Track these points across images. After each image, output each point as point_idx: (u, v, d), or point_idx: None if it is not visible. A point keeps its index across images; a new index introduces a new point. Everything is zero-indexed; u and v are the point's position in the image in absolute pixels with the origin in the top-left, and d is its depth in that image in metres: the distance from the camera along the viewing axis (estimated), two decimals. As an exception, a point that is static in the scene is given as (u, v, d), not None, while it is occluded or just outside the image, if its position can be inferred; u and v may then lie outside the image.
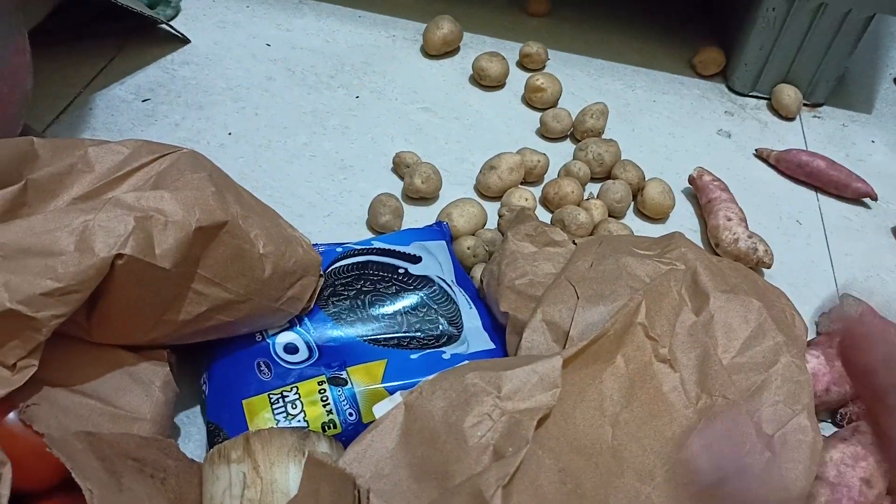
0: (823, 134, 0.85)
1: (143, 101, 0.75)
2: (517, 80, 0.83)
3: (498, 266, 0.56)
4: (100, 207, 0.41)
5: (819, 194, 0.77)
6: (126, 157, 0.47)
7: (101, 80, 0.76)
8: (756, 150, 0.81)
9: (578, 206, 0.66)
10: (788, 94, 0.85)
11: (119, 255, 0.40)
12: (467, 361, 0.45)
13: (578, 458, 0.41)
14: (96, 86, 0.75)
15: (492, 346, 0.54)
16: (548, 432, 0.41)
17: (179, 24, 0.83)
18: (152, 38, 0.81)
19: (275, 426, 0.47)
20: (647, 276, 0.51)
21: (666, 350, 0.47)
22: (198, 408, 0.53)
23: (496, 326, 0.56)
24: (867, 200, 0.77)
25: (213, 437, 0.48)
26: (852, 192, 0.76)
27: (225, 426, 0.48)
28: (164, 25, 0.81)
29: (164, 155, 0.48)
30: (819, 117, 0.87)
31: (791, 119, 0.86)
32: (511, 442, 0.39)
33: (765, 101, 0.87)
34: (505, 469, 0.37)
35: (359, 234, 0.66)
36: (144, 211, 0.42)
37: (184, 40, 0.81)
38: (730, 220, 0.68)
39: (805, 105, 0.87)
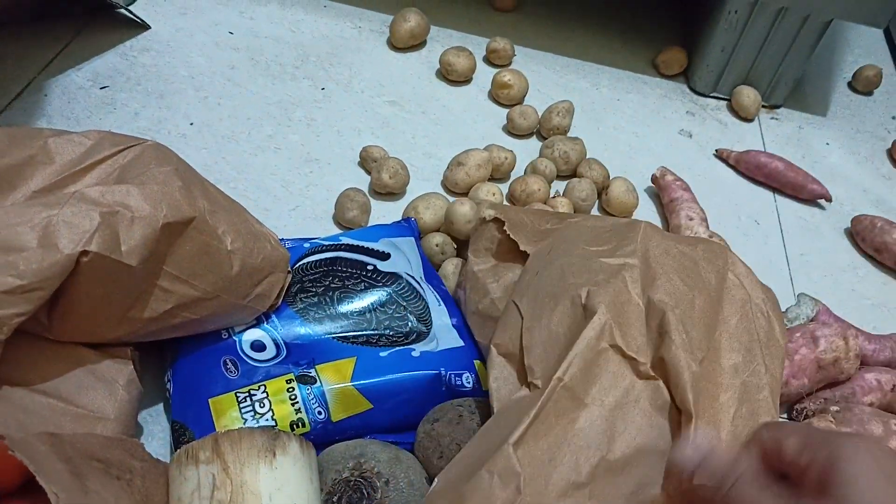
0: (781, 135, 0.87)
1: (102, 88, 0.72)
2: (484, 75, 0.83)
3: (464, 291, 0.55)
4: (64, 202, 0.40)
5: (777, 195, 0.79)
6: (88, 149, 0.46)
7: (56, 65, 0.73)
8: (716, 150, 0.82)
9: (545, 203, 0.67)
10: (748, 95, 0.86)
11: (84, 252, 0.39)
12: (437, 481, 0.42)
13: None
14: (52, 71, 0.73)
15: (461, 343, 0.54)
16: None
17: (139, 10, 0.80)
18: (111, 22, 0.79)
19: (242, 425, 0.46)
20: (591, 279, 0.47)
21: (648, 364, 0.43)
22: (161, 406, 0.52)
23: (466, 323, 0.56)
24: (822, 202, 0.79)
25: (179, 437, 0.47)
26: (808, 194, 0.78)
27: (191, 425, 0.47)
28: (123, 10, 0.79)
29: (128, 147, 0.47)
30: (777, 119, 0.89)
31: (750, 120, 0.88)
32: None
33: (725, 102, 0.89)
34: None
35: (326, 228, 0.65)
36: (110, 206, 0.41)
37: (143, 26, 0.79)
38: (691, 219, 0.69)
39: (764, 107, 0.89)
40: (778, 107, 0.90)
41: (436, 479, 0.42)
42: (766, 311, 0.49)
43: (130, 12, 0.79)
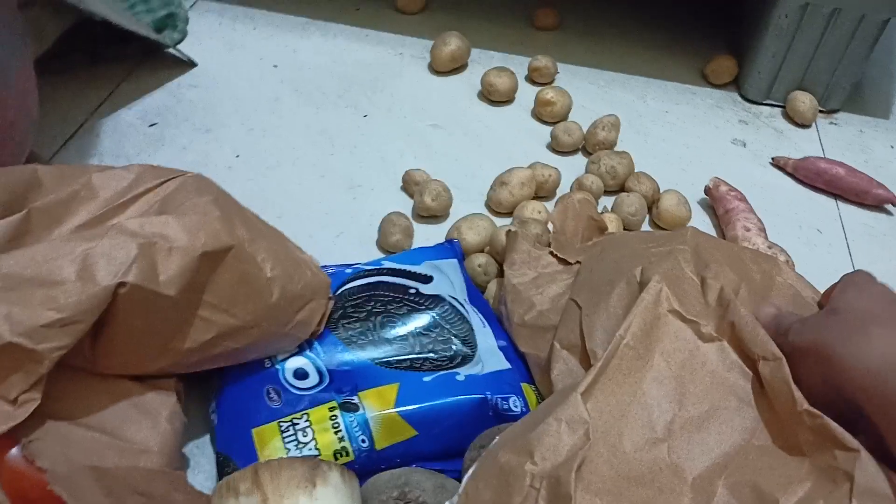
0: (841, 140, 0.83)
1: (151, 125, 0.74)
2: (526, 94, 0.82)
3: (505, 305, 0.54)
4: (102, 235, 0.40)
5: (839, 202, 0.76)
6: (130, 183, 0.47)
7: (108, 106, 0.76)
8: (773, 158, 0.79)
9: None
10: (803, 101, 0.83)
11: (122, 284, 0.39)
12: (497, 438, 0.42)
13: (638, 490, 0.38)
14: (104, 111, 0.75)
15: (507, 365, 0.52)
16: (596, 474, 0.37)
17: (186, 47, 0.83)
18: (159, 62, 0.81)
19: (285, 456, 0.46)
20: (645, 262, 0.47)
21: (711, 327, 0.42)
22: (207, 437, 0.52)
23: (511, 345, 0.54)
24: (889, 207, 0.75)
25: (223, 468, 0.47)
26: (873, 199, 0.74)
27: (234, 456, 0.47)
28: (171, 50, 0.81)
29: (169, 179, 0.47)
30: (836, 124, 0.85)
31: (807, 126, 0.84)
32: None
33: (779, 109, 0.86)
34: None
35: (370, 254, 0.65)
36: (148, 237, 0.41)
37: (190, 64, 0.81)
38: (748, 230, 0.66)
39: (821, 112, 0.86)
40: (836, 111, 0.86)
41: (495, 440, 0.42)
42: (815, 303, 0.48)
43: (178, 51, 0.81)
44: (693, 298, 0.44)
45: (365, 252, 0.65)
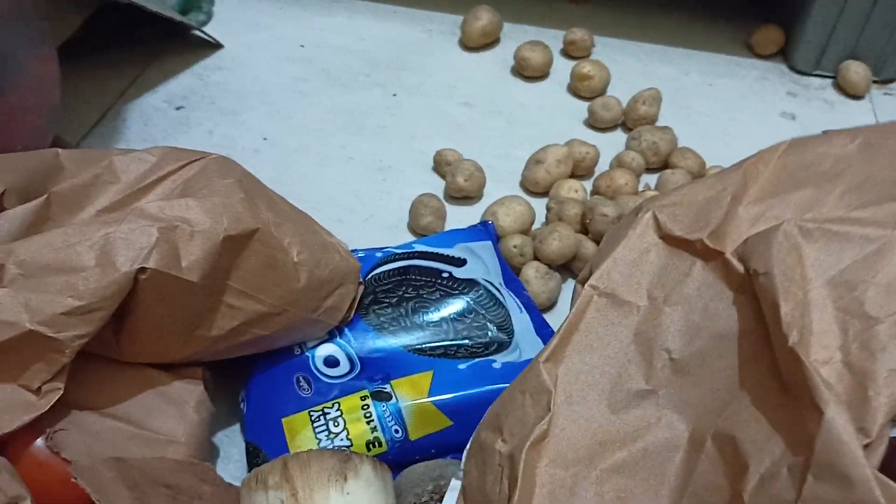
0: (897, 112, 0.79)
1: (177, 108, 0.73)
2: (562, 68, 0.78)
3: None
4: (122, 219, 0.39)
5: None
6: (152, 166, 0.45)
7: (134, 90, 0.74)
8: (824, 131, 0.75)
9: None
10: (856, 71, 0.78)
11: (142, 269, 0.38)
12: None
13: (618, 453, 0.34)
14: (130, 95, 0.74)
15: (546, 353, 0.50)
16: (566, 444, 0.34)
17: (211, 29, 0.81)
18: (185, 44, 0.80)
19: (316, 446, 0.44)
20: None
21: (704, 236, 0.37)
22: (237, 426, 0.50)
23: (551, 330, 0.52)
24: (951, 181, 0.71)
25: (253, 459, 0.46)
26: (934, 173, 0.70)
27: (264, 447, 0.46)
28: (196, 31, 0.80)
29: (192, 161, 0.46)
30: (891, 94, 0.81)
31: (860, 98, 0.80)
32: (515, 486, 0.33)
33: (830, 80, 0.81)
34: None
35: (400, 237, 0.62)
36: (169, 221, 0.40)
37: (216, 45, 0.80)
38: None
39: (875, 82, 0.81)
40: (891, 81, 0.82)
41: None
42: None
43: (204, 32, 0.80)
44: (685, 209, 0.39)
45: (396, 235, 0.63)
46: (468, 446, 0.39)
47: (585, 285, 0.38)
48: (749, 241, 0.36)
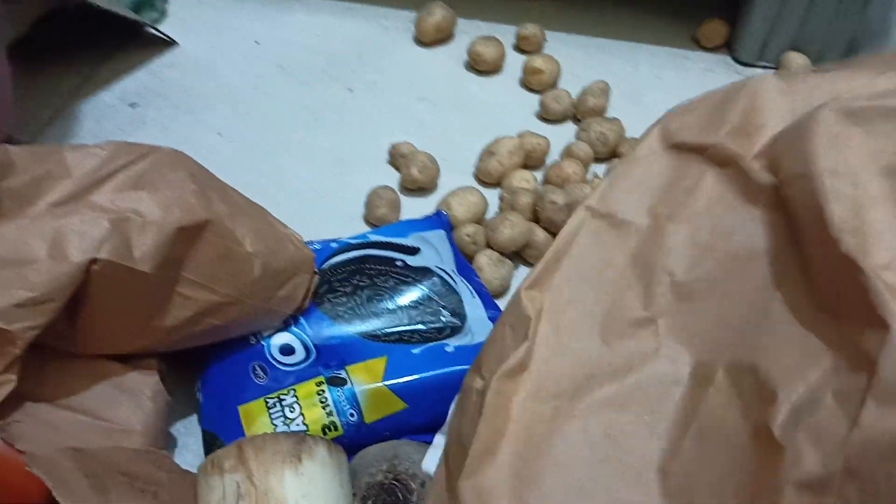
0: (836, 101, 0.81)
1: (131, 106, 0.73)
2: (514, 63, 0.80)
3: None
4: (73, 212, 0.39)
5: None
6: (104, 160, 0.45)
7: (87, 88, 0.74)
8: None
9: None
10: (797, 62, 0.81)
11: (94, 260, 0.38)
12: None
13: (606, 387, 0.30)
14: (83, 93, 0.74)
15: (497, 337, 0.51)
16: (549, 377, 0.30)
17: (166, 27, 0.81)
18: (139, 42, 0.80)
19: (272, 432, 0.45)
20: None
21: (716, 140, 0.33)
22: (195, 417, 0.51)
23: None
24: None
25: (210, 447, 0.46)
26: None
27: (221, 434, 0.46)
28: (150, 29, 0.80)
29: (144, 155, 0.46)
30: (831, 84, 0.84)
31: (802, 87, 0.82)
32: (489, 421, 0.30)
33: (773, 71, 0.84)
34: (464, 459, 0.29)
35: (357, 229, 0.63)
36: (120, 213, 0.40)
37: (171, 43, 0.80)
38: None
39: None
40: (832, 71, 0.85)
41: None
42: None
43: (158, 30, 0.80)
44: (694, 116, 0.35)
45: (352, 227, 0.63)
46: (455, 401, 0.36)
47: (579, 207, 0.34)
48: (779, 138, 0.31)
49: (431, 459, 0.37)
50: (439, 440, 0.38)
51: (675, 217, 0.32)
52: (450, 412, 0.38)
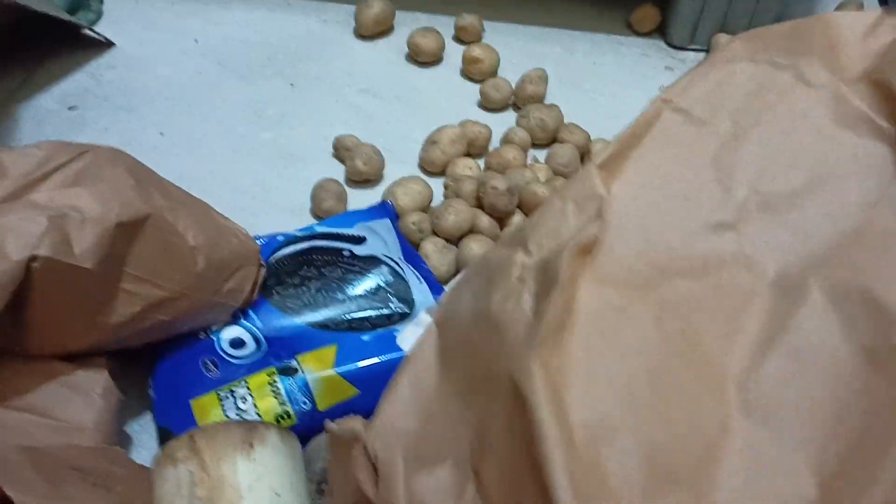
0: (765, 80, 0.84)
1: (70, 108, 0.72)
2: (454, 53, 0.81)
3: None
4: (10, 210, 0.39)
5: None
6: (41, 160, 0.45)
7: (24, 91, 0.73)
8: (700, 101, 0.80)
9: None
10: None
11: (34, 258, 0.38)
12: None
13: (681, 283, 0.27)
14: (19, 97, 0.73)
15: (445, 319, 0.53)
16: (615, 262, 0.28)
17: (103, 28, 0.80)
18: (76, 44, 0.79)
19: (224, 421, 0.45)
20: None
21: (830, 69, 0.30)
22: (150, 415, 0.51)
23: (449, 300, 0.54)
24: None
25: (165, 442, 0.47)
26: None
27: (175, 429, 0.47)
28: (87, 31, 0.79)
29: (81, 154, 0.46)
30: (760, 64, 0.87)
31: (732, 69, 0.85)
32: (547, 298, 0.27)
33: (704, 53, 0.87)
34: (536, 332, 0.26)
35: (304, 222, 0.64)
36: (59, 210, 0.40)
37: (108, 44, 0.79)
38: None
39: (745, 54, 0.87)
40: (760, 52, 0.88)
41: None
42: None
43: (94, 31, 0.79)
44: (804, 35, 0.31)
45: (299, 221, 0.64)
46: (463, 271, 0.33)
47: (656, 99, 0.32)
48: (890, 51, 0.29)
49: (409, 339, 0.35)
50: (422, 318, 0.35)
51: (759, 126, 0.31)
52: (448, 288, 0.34)
